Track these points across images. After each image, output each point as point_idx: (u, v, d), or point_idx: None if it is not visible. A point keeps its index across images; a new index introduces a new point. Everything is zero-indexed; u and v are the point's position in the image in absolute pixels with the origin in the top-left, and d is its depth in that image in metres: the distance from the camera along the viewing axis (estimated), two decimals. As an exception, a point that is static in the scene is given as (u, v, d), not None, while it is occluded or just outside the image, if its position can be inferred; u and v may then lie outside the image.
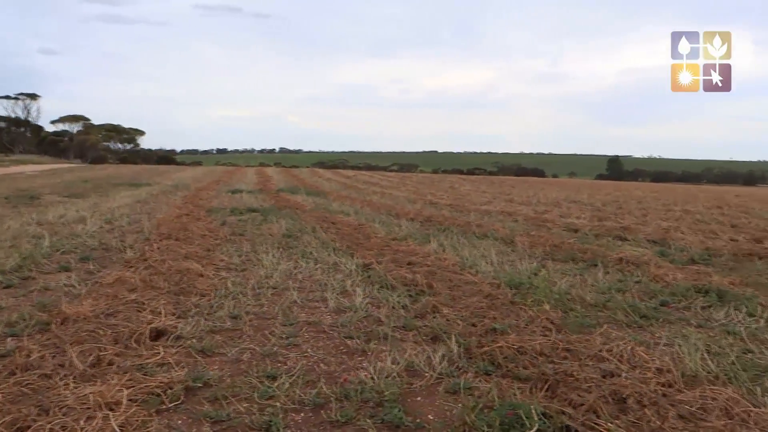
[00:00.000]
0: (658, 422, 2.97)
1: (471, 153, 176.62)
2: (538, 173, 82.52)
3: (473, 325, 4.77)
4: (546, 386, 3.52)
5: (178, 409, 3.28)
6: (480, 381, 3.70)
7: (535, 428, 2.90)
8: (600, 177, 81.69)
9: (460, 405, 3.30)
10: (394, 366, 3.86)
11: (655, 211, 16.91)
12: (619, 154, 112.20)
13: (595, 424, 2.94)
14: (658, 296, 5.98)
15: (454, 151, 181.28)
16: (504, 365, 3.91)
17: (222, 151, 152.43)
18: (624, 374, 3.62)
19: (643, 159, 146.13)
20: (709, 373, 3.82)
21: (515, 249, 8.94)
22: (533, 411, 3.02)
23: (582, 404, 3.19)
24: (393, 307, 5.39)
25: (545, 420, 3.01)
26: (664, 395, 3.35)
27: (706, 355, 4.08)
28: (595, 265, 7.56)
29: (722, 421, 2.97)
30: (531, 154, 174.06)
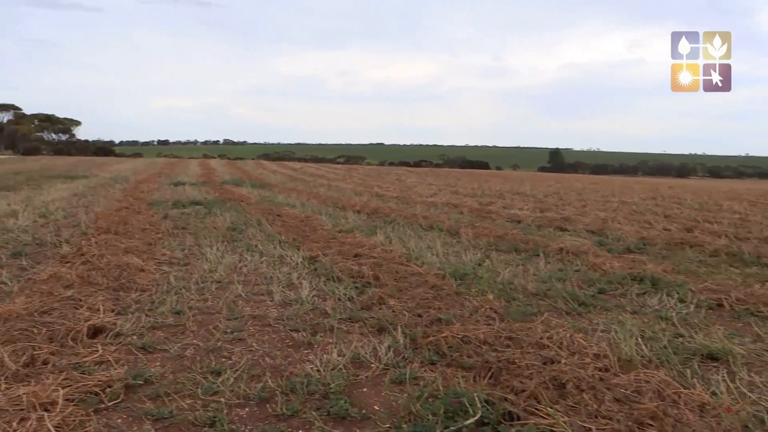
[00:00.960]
0: (595, 406, 3.08)
1: (417, 145, 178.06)
2: (483, 165, 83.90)
3: (419, 315, 4.82)
4: (489, 374, 3.59)
5: (117, 407, 3.19)
6: (425, 370, 3.75)
7: (477, 415, 2.96)
8: (542, 169, 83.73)
9: (405, 395, 3.33)
10: (340, 358, 3.86)
11: (594, 202, 17.45)
12: (561, 147, 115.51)
13: (536, 409, 3.02)
14: (596, 284, 6.18)
15: (401, 144, 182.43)
16: (449, 354, 3.97)
17: (164, 143, 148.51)
18: (563, 360, 3.73)
19: (583, 152, 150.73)
20: (643, 357, 3.98)
21: (460, 240, 9.08)
22: (476, 398, 3.08)
23: (523, 390, 3.27)
24: (339, 300, 5.39)
25: (488, 407, 3.08)
26: (601, 379, 3.48)
27: (640, 340, 4.26)
28: (537, 255, 7.75)
29: (655, 402, 3.10)
30: (476, 146, 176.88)
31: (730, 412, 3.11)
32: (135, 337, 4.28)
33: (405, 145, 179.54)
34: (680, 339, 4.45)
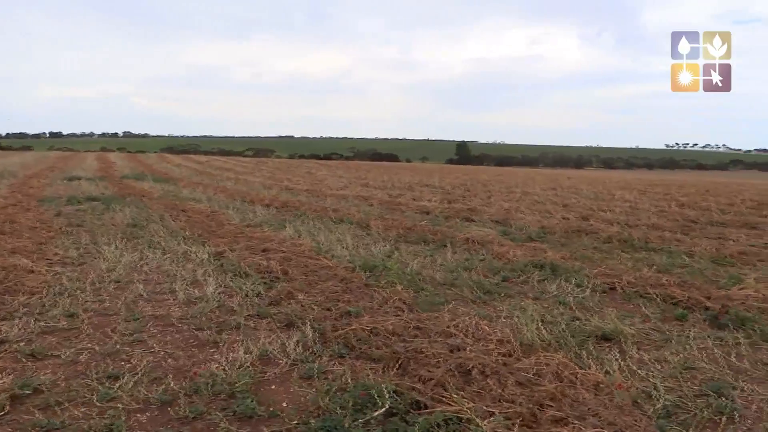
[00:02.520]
0: (498, 390, 3.18)
1: (328, 138, 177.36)
2: (393, 158, 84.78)
3: (328, 309, 4.80)
4: (397, 364, 3.63)
5: (2, 420, 2.95)
6: (334, 364, 3.73)
7: (386, 406, 2.98)
8: (450, 161, 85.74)
9: (314, 390, 3.30)
10: (247, 356, 3.77)
11: (498, 194, 18.05)
12: (467, 140, 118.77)
13: (443, 397, 3.08)
14: (501, 272, 6.39)
15: (311, 136, 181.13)
16: (358, 347, 3.97)
17: (57, 135, 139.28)
18: (469, 348, 3.83)
19: (488, 144, 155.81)
20: (543, 341, 4.16)
21: (370, 232, 9.12)
22: (385, 390, 3.11)
23: (431, 379, 3.33)
24: (246, 296, 5.27)
25: (396, 397, 3.11)
26: (504, 364, 3.60)
27: (540, 325, 4.44)
28: (445, 246, 7.92)
29: (554, 384, 3.25)
30: (386, 139, 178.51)
31: (621, 389, 3.31)
32: (23, 343, 3.98)
33: (315, 138, 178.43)
34: (577, 322, 4.68)
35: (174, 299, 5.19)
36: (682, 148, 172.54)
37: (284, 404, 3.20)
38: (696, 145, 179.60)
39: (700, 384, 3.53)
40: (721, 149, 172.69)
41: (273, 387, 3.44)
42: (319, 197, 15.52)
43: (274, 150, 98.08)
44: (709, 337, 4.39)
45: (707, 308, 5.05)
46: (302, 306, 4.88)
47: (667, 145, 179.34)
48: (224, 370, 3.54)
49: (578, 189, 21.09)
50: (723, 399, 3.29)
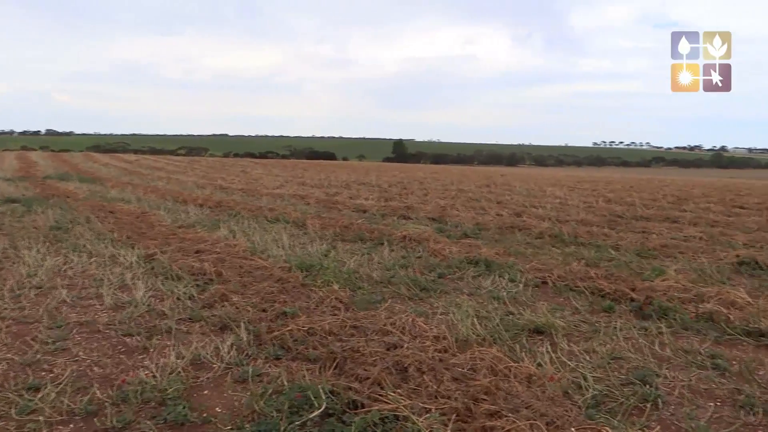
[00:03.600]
0: (434, 386, 3.21)
1: (263, 136, 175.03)
2: (330, 156, 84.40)
3: (264, 310, 4.72)
4: (334, 364, 3.60)
5: None
6: (270, 366, 3.67)
7: (322, 407, 2.95)
8: (386, 160, 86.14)
9: (248, 393, 3.23)
10: (178, 361, 3.65)
11: (434, 191, 18.27)
12: (404, 138, 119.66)
13: (380, 395, 3.08)
14: (437, 269, 6.46)
15: (246, 135, 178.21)
16: (294, 348, 3.92)
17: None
18: (406, 345, 3.85)
19: (424, 142, 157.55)
20: (478, 336, 4.22)
21: (307, 232, 9.03)
22: (321, 390, 3.07)
23: (368, 378, 3.32)
24: (178, 299, 5.11)
25: (333, 397, 3.08)
26: (440, 360, 3.63)
27: (475, 320, 4.51)
28: (382, 244, 7.94)
29: (488, 378, 3.30)
30: (322, 137, 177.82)
31: (553, 380, 3.40)
32: (-69, 356, 3.72)
33: (251, 136, 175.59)
34: (511, 316, 4.78)
35: (101, 304, 4.97)
36: (608, 146, 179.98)
37: (218, 409, 3.12)
38: (621, 143, 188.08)
39: (626, 373, 3.67)
40: (644, 147, 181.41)
41: (206, 392, 3.34)
42: (255, 196, 15.27)
43: (207, 148, 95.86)
44: (634, 327, 4.57)
45: (632, 299, 5.26)
46: (237, 308, 4.77)
47: (595, 143, 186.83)
48: (154, 376, 3.42)
49: (511, 186, 21.60)
50: (648, 386, 3.43)
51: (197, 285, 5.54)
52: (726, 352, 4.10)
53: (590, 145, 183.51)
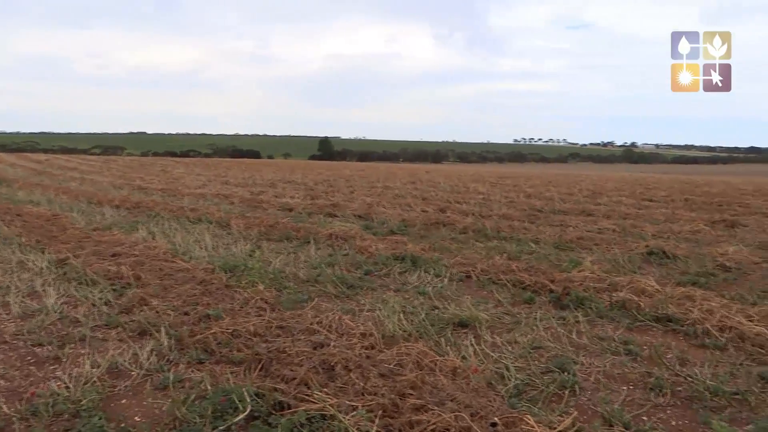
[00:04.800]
0: (362, 384, 3.21)
1: (184, 134, 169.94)
2: (254, 155, 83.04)
3: (186, 313, 4.58)
4: (260, 366, 3.54)
5: None
6: (192, 371, 3.56)
7: (247, 410, 2.89)
8: (313, 157, 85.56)
9: (170, 400, 3.12)
10: (94, 370, 3.48)
11: (361, 188, 18.31)
12: (329, 136, 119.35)
13: (306, 395, 3.05)
14: (363, 266, 6.47)
15: (166, 133, 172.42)
16: (218, 351, 3.82)
17: None
18: (333, 343, 3.83)
19: (351, 140, 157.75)
20: (404, 331, 4.26)
21: (231, 232, 8.84)
22: (246, 393, 3.01)
23: (294, 378, 3.28)
24: (94, 305, 4.87)
25: (259, 400, 3.02)
26: (367, 357, 3.64)
27: (402, 316, 4.55)
28: (308, 242, 7.88)
29: (414, 373, 3.34)
30: (246, 135, 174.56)
31: (476, 372, 3.48)
32: None
33: (171, 135, 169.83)
34: (436, 311, 4.86)
35: (7, 313, 4.68)
36: (528, 143, 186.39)
37: (137, 418, 3.00)
38: (540, 140, 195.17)
39: (546, 361, 3.81)
40: (561, 144, 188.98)
41: (124, 401, 3.20)
42: (176, 196, 14.80)
43: (124, 147, 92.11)
44: (553, 317, 4.75)
45: (551, 291, 5.46)
46: (157, 312, 4.60)
47: (515, 140, 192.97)
48: (67, 387, 3.24)
49: (436, 182, 21.95)
50: (566, 374, 3.57)
51: (114, 290, 5.31)
52: (637, 337, 4.32)
53: (511, 142, 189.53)
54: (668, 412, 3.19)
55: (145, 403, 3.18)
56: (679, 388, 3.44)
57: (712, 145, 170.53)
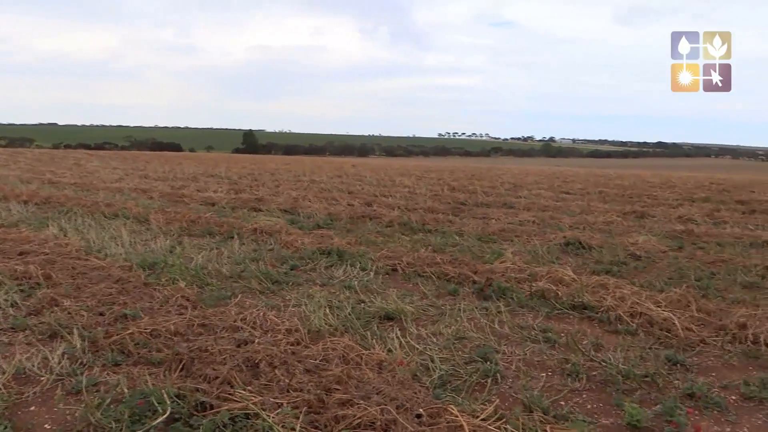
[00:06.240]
0: (287, 380, 3.17)
1: (99, 126, 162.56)
2: (175, 147, 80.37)
3: (101, 314, 4.38)
4: (180, 366, 3.43)
5: None
6: (108, 374, 3.40)
7: (167, 413, 2.79)
8: (237, 151, 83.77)
9: (83, 405, 2.96)
10: (-1, 376, 3.27)
11: (286, 182, 18.07)
12: (254, 129, 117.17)
13: (229, 394, 2.98)
14: (289, 261, 6.39)
15: (79, 124, 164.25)
16: (135, 352, 3.67)
17: None
18: (257, 340, 3.76)
19: (275, 133, 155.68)
20: (330, 326, 4.24)
21: (150, 227, 8.52)
22: (165, 395, 2.90)
23: (217, 377, 3.20)
24: (-1, 307, 4.57)
25: (179, 401, 2.92)
26: (293, 353, 3.60)
27: (328, 311, 4.53)
28: (232, 237, 7.71)
29: (340, 367, 3.33)
30: (167, 127, 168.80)
31: (402, 365, 3.51)
32: None
33: (84, 126, 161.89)
34: (362, 305, 4.86)
35: None
36: (452, 137, 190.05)
37: (47, 426, 2.83)
38: (464, 134, 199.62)
39: (469, 352, 3.89)
40: (484, 138, 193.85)
41: (33, 408, 3.02)
42: (90, 191, 14.10)
43: (33, 139, 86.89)
44: (476, 308, 4.86)
45: (475, 282, 5.59)
46: (69, 313, 4.37)
47: (440, 134, 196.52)
48: (-32, 396, 3.03)
49: (362, 176, 21.97)
50: (488, 363, 3.66)
51: (21, 290, 4.99)
52: (555, 325, 4.49)
53: (436, 136, 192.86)
54: (584, 396, 3.33)
55: (56, 409, 3.00)
56: (594, 373, 3.61)
57: (623, 140, 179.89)
